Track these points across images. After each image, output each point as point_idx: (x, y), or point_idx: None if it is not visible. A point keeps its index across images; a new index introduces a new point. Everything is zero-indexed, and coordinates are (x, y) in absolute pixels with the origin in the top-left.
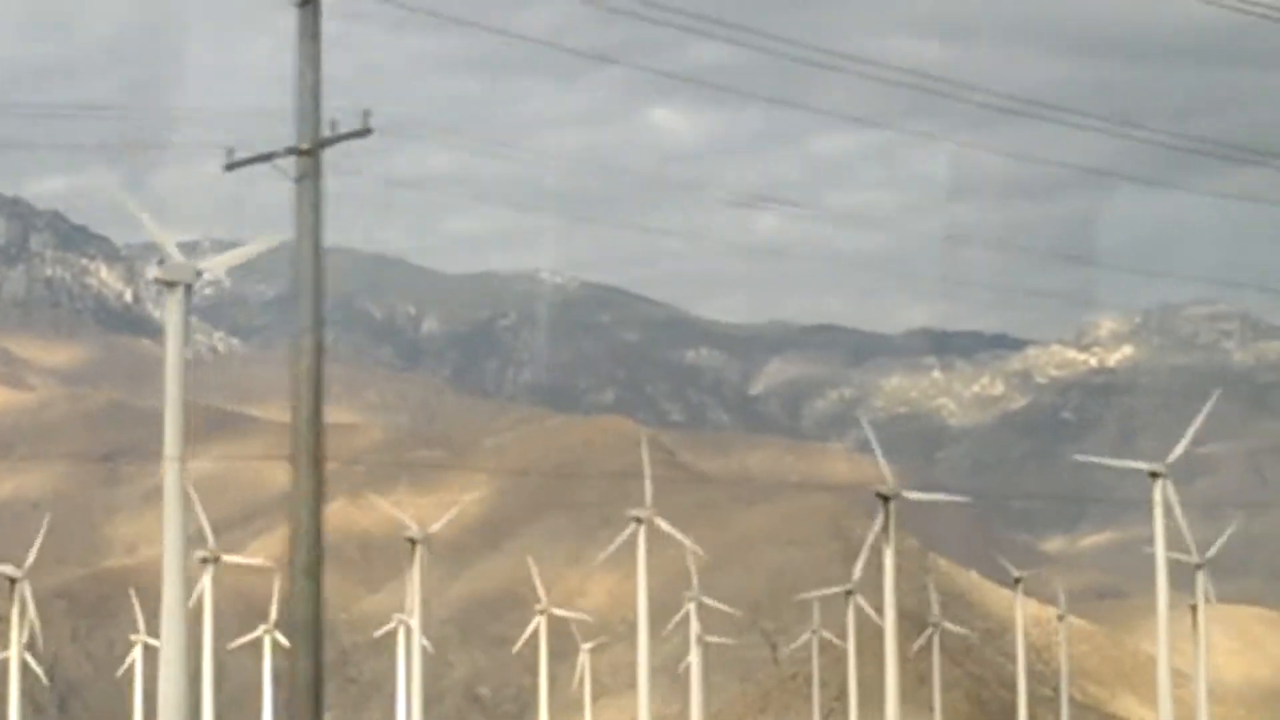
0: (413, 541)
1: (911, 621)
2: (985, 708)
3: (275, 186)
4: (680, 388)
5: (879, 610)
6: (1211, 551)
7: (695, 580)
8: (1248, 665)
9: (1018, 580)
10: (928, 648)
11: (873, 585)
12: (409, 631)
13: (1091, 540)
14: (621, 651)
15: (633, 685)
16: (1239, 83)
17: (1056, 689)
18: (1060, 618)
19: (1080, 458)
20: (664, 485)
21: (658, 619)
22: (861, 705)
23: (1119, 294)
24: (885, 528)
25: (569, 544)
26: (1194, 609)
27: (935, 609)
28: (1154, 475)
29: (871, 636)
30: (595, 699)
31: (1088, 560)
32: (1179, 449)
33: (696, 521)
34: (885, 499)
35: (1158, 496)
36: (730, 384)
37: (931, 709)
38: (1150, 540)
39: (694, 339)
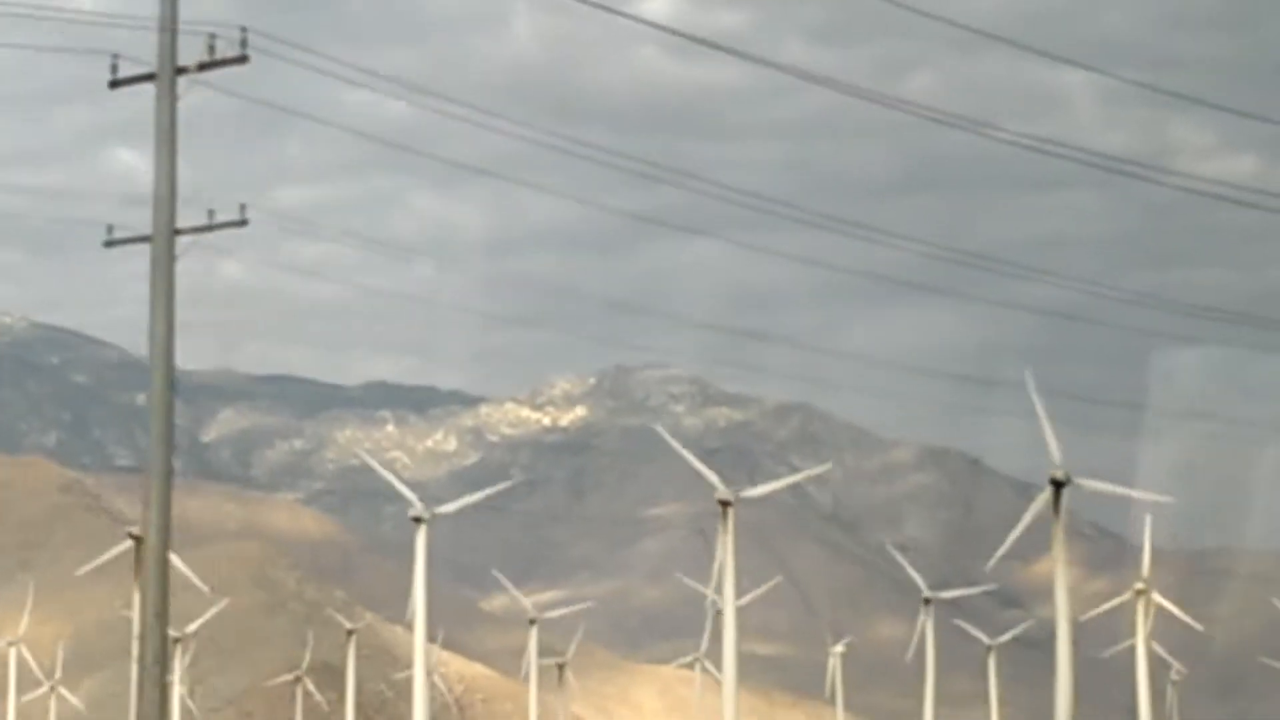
0: None
1: (336, 675)
2: None
3: None
4: (129, 432)
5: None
6: (556, 613)
7: (23, 627)
8: None
9: (350, 632)
10: (342, 701)
11: (288, 638)
12: None
13: (536, 599)
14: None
15: None
16: (699, 153)
17: None
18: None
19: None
20: (87, 529)
21: (75, 665)
22: None
23: (577, 355)
24: (139, 564)
25: None
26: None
27: (305, 661)
28: (417, 519)
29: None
30: None
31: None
32: (451, 507)
33: (118, 566)
34: (137, 540)
35: (420, 543)
36: (182, 430)
37: None
38: (600, 599)
39: (145, 383)
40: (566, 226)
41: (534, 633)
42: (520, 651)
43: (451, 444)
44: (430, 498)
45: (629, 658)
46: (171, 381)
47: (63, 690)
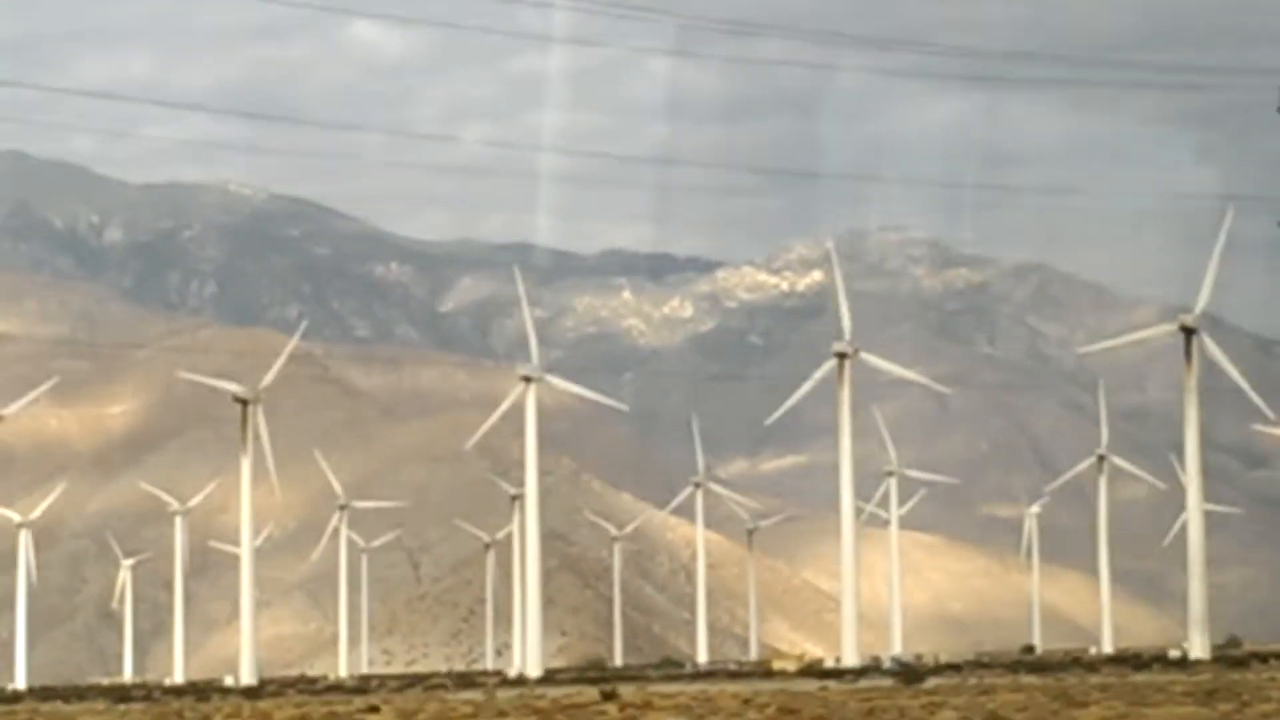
0: None
1: (562, 541)
2: (613, 630)
3: None
4: (368, 304)
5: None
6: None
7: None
8: (904, 591)
9: (514, 498)
10: (564, 568)
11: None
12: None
13: (773, 465)
14: (266, 567)
15: (270, 602)
16: (937, 14)
17: (695, 612)
18: (612, 536)
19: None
20: (311, 400)
21: (304, 536)
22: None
23: (813, 219)
24: (246, 427)
25: (213, 459)
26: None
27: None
28: (527, 378)
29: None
30: (232, 616)
31: (766, 485)
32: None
33: (343, 437)
34: (243, 403)
35: (530, 401)
36: (419, 301)
37: (562, 632)
38: (837, 464)
39: (385, 255)
40: (803, 88)
41: (699, 496)
42: (753, 518)
43: (688, 310)
44: (669, 364)
45: (865, 522)
46: None
47: (267, 556)
